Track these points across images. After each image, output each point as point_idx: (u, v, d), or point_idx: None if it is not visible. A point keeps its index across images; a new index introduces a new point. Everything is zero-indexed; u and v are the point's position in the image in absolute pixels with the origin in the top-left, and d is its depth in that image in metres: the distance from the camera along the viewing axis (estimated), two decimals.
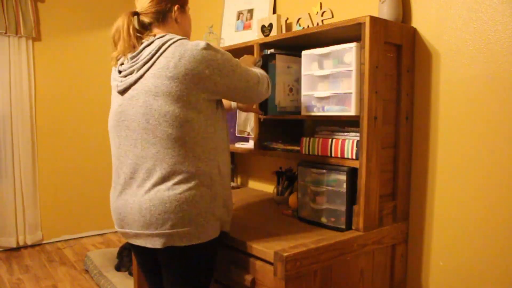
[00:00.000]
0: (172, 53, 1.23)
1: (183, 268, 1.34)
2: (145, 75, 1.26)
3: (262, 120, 1.90)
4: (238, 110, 2.15)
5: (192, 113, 1.25)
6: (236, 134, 2.17)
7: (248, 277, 1.42)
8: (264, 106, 1.88)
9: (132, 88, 1.28)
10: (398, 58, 1.58)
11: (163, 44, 1.25)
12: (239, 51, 2.15)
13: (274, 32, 2.10)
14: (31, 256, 3.55)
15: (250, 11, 2.48)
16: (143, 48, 1.28)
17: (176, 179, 1.26)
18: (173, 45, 1.24)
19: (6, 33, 3.49)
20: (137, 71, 1.27)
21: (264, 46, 1.89)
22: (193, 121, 1.25)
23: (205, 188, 1.29)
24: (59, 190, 3.91)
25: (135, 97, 1.27)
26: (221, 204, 1.35)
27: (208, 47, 1.25)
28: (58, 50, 3.87)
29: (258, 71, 1.43)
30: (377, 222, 1.54)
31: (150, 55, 1.25)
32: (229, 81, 1.30)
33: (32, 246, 3.80)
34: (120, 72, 1.33)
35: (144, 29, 1.37)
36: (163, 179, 1.26)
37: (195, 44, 1.24)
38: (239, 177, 2.61)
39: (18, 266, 3.33)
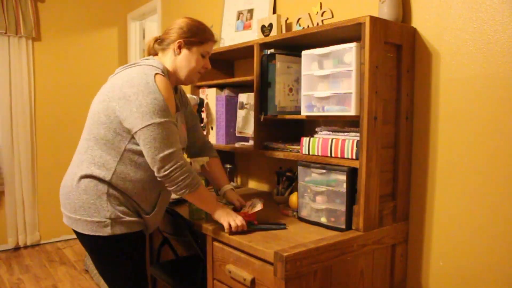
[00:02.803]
0: (125, 73, 1.46)
1: None
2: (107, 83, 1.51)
3: (262, 120, 1.90)
4: (238, 111, 2.15)
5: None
6: (236, 134, 2.17)
7: (248, 277, 1.42)
8: (264, 106, 1.88)
9: None
10: (398, 58, 1.58)
11: (131, 65, 1.50)
12: (239, 51, 2.15)
13: (274, 32, 2.10)
14: (31, 256, 3.55)
15: (250, 11, 2.48)
16: None
17: None
18: (132, 68, 1.47)
19: (6, 33, 3.49)
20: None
21: (264, 46, 1.89)
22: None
23: None
24: (58, 190, 3.90)
25: None
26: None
27: (151, 85, 1.39)
28: (58, 50, 3.87)
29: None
30: (377, 222, 1.54)
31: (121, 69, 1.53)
32: (134, 124, 1.39)
33: (32, 246, 3.80)
34: None
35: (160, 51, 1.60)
36: None
37: (143, 74, 1.41)
38: (239, 177, 2.61)
39: (18, 266, 3.33)
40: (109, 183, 1.42)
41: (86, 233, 1.43)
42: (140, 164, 1.45)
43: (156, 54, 1.60)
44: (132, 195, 1.46)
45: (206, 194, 1.53)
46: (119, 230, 1.43)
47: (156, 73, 1.43)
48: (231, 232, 1.51)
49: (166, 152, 1.38)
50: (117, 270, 1.49)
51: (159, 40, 1.58)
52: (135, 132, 1.38)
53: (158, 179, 1.42)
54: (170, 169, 1.38)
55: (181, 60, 1.54)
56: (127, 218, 1.44)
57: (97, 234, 1.42)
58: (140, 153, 1.43)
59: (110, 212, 1.41)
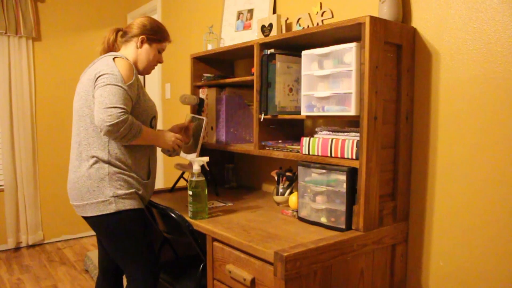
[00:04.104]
0: (96, 65, 1.62)
1: None
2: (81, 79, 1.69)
3: (262, 120, 1.90)
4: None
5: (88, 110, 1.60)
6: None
7: (248, 277, 1.42)
8: (264, 106, 1.88)
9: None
10: (398, 58, 1.58)
11: (99, 59, 1.65)
12: (239, 51, 2.15)
13: (274, 32, 2.10)
14: (31, 256, 3.55)
15: (250, 11, 2.48)
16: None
17: None
18: (100, 60, 1.64)
19: (6, 33, 3.50)
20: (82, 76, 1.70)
21: (264, 46, 1.89)
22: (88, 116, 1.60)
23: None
24: (59, 190, 3.91)
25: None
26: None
27: (113, 61, 1.60)
28: (58, 50, 3.87)
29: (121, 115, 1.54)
30: (377, 222, 1.54)
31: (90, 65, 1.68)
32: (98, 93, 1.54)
33: (33, 246, 3.80)
34: None
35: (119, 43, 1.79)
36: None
37: (110, 62, 1.59)
38: (239, 177, 2.61)
39: (18, 266, 3.33)
40: (108, 163, 1.59)
41: (95, 214, 1.58)
42: None
43: (114, 49, 1.77)
44: (130, 166, 1.64)
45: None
46: (122, 206, 1.60)
47: (115, 57, 1.62)
48: (176, 152, 1.86)
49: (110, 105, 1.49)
50: (125, 246, 1.65)
51: (121, 32, 1.77)
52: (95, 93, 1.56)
53: (102, 133, 1.50)
54: (113, 122, 1.48)
55: (141, 53, 1.75)
56: (127, 196, 1.61)
57: (104, 212, 1.58)
58: None
59: (112, 191, 1.58)
